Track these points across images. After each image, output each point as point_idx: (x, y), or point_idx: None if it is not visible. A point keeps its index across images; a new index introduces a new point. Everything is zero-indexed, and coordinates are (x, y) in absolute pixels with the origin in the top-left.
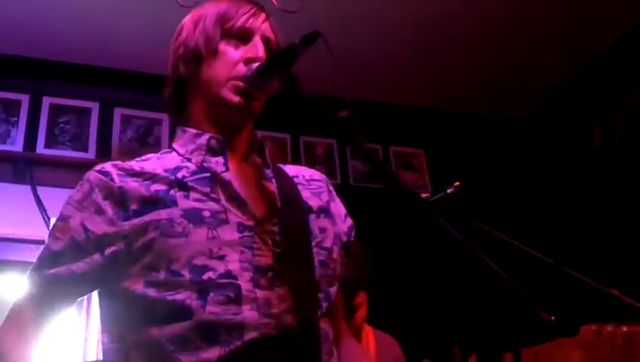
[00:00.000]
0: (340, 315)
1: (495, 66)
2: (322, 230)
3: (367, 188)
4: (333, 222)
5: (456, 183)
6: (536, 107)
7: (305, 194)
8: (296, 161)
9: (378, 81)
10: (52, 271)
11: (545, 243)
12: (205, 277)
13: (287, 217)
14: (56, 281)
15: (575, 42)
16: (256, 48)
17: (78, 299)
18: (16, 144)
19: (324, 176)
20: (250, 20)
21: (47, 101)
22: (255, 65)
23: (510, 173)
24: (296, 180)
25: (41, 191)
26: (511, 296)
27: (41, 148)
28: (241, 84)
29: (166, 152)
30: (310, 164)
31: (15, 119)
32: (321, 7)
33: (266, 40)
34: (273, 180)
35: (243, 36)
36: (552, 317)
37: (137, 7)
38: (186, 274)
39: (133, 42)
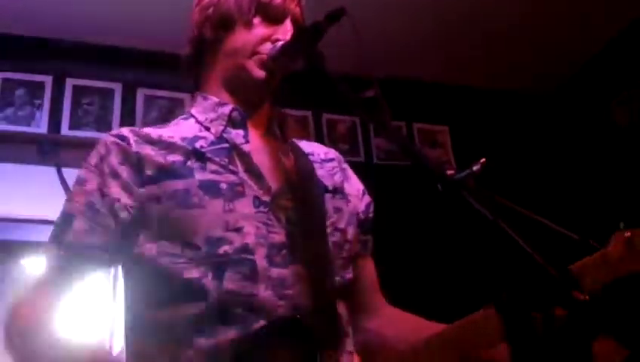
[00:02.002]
0: (377, 289)
1: (519, 42)
2: (337, 210)
3: (391, 165)
4: (348, 202)
5: (482, 160)
6: (561, 83)
7: (320, 173)
8: (318, 139)
9: (401, 57)
10: (70, 237)
11: (570, 219)
12: (221, 251)
13: (303, 194)
14: (77, 254)
15: (598, 18)
16: (287, 31)
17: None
18: (40, 126)
19: (337, 153)
20: (287, 3)
21: (70, 83)
22: (280, 42)
23: (535, 149)
24: (311, 158)
25: (66, 172)
26: (542, 276)
27: (65, 130)
28: (265, 57)
29: (183, 118)
30: (333, 142)
31: (39, 101)
32: None
33: (295, 23)
34: (291, 155)
35: (276, 16)
36: (587, 297)
37: None
38: (202, 247)
39: (155, 22)
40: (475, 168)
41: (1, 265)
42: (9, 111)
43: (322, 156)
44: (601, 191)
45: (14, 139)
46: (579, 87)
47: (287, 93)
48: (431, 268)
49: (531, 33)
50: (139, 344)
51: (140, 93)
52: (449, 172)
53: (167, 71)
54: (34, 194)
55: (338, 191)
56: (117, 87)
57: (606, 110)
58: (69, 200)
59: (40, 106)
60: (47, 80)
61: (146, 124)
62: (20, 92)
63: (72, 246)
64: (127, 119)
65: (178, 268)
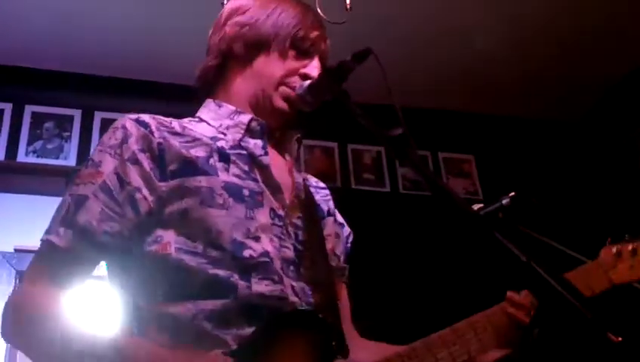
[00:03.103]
0: (350, 318)
1: (546, 70)
2: (337, 235)
3: (417, 195)
4: (340, 229)
5: (511, 193)
6: (587, 110)
7: (316, 198)
8: (344, 169)
9: (425, 87)
10: (82, 220)
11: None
12: (246, 254)
13: (309, 214)
14: (90, 241)
15: (622, 48)
16: (315, 68)
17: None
18: (69, 159)
19: (326, 185)
20: (318, 41)
21: (98, 116)
22: (307, 82)
23: (562, 177)
24: (307, 182)
25: None
26: (575, 316)
27: None
28: (292, 93)
29: (194, 121)
30: (358, 173)
31: (68, 134)
32: (369, 12)
33: (322, 61)
34: (300, 174)
35: (308, 51)
36: (619, 338)
37: (184, 20)
38: (227, 248)
39: (181, 56)
40: (504, 202)
41: None
42: (38, 144)
43: (314, 184)
44: (628, 219)
45: (43, 172)
46: (605, 116)
47: (313, 125)
48: (457, 298)
49: (557, 62)
50: (148, 337)
51: None
52: (477, 206)
53: (192, 103)
54: None
55: (334, 216)
56: None
57: (633, 138)
58: (80, 182)
59: (68, 139)
60: (76, 113)
61: None
62: (48, 125)
63: (84, 230)
64: None
65: (202, 266)
